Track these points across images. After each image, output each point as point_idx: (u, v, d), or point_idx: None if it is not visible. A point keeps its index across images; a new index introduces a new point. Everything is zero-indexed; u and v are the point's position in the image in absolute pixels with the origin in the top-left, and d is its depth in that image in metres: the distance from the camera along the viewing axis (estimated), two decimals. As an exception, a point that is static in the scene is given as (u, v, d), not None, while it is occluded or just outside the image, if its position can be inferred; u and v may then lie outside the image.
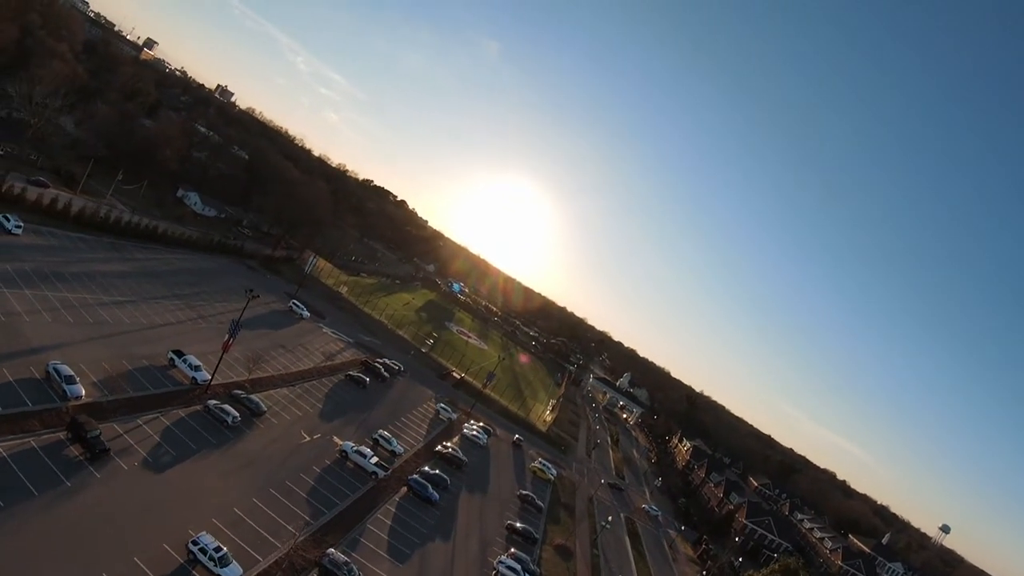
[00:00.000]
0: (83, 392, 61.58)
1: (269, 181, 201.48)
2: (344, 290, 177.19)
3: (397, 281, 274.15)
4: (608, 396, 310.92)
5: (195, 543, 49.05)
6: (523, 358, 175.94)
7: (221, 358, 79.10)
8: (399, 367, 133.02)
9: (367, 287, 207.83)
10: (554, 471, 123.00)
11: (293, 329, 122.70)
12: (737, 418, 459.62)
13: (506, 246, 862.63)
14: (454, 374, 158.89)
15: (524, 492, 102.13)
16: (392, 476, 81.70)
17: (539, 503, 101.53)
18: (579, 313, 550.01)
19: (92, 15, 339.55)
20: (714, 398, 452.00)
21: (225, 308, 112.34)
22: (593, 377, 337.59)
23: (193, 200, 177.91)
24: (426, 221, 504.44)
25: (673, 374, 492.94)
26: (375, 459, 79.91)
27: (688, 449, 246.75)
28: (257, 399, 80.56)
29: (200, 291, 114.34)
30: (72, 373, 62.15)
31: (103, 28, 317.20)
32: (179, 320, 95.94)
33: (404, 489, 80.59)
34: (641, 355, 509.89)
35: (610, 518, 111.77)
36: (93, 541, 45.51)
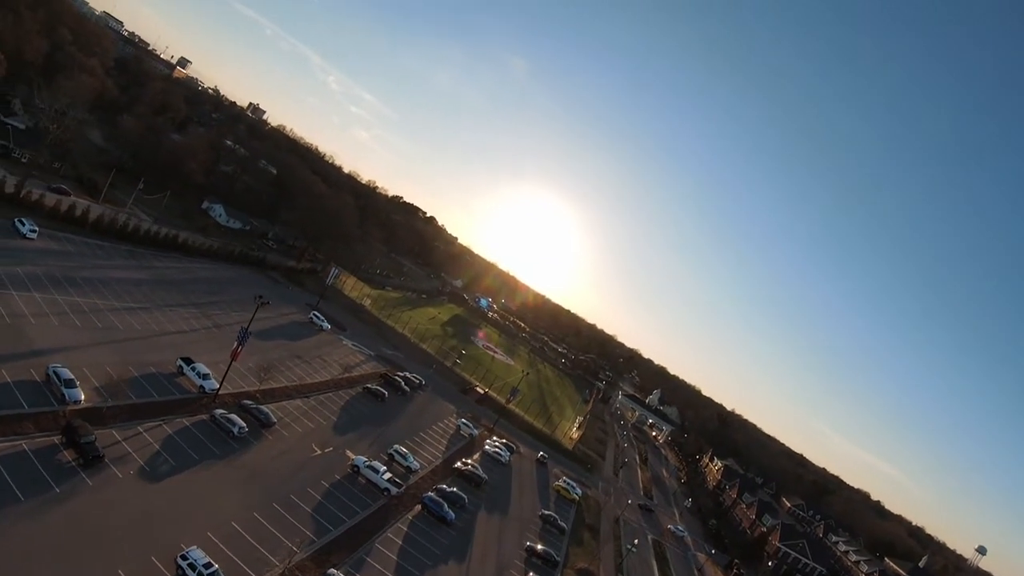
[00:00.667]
0: (82, 396, 59.31)
1: (296, 195, 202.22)
2: (368, 303, 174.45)
3: (423, 295, 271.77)
4: (637, 413, 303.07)
5: (184, 558, 45.75)
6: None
7: (230, 366, 76.33)
8: (420, 381, 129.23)
9: (392, 301, 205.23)
10: (579, 490, 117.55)
11: (312, 340, 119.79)
12: (769, 437, 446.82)
13: (535, 262, 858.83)
14: (477, 389, 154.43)
15: (546, 512, 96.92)
16: (406, 493, 77.49)
17: (562, 524, 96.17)
18: (609, 330, 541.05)
19: (126, 34, 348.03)
20: (745, 416, 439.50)
21: (242, 318, 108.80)
22: (622, 394, 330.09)
23: (218, 212, 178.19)
24: (455, 238, 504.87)
25: (704, 392, 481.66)
26: (388, 475, 75.76)
27: (719, 469, 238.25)
28: (267, 410, 77.27)
29: (217, 300, 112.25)
30: (72, 377, 60.02)
31: (136, 46, 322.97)
32: (193, 328, 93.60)
33: (418, 507, 76.26)
34: (672, 372, 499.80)
35: (636, 541, 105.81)
36: (77, 551, 42.63)
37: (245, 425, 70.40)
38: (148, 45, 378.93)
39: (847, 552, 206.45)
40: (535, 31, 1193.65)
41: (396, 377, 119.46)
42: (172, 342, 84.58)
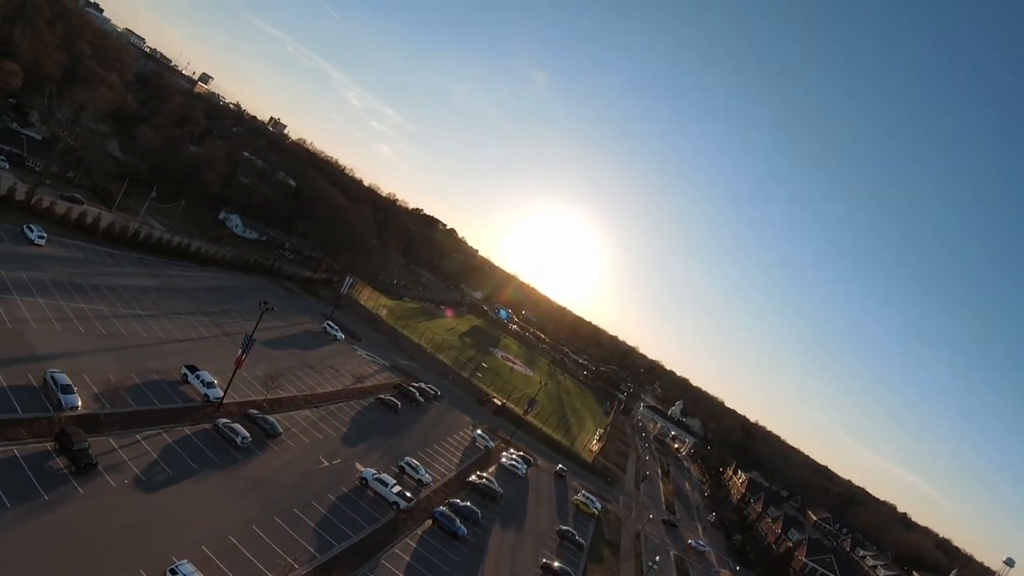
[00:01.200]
0: (79, 403, 57.47)
1: (314, 205, 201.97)
2: (384, 313, 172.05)
3: (442, 307, 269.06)
4: (659, 425, 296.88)
5: (173, 572, 43.33)
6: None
7: (234, 374, 73.97)
8: (435, 392, 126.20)
9: (409, 311, 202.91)
10: (599, 504, 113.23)
11: (325, 350, 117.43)
12: (793, 448, 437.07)
13: (556, 274, 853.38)
14: (494, 400, 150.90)
15: (564, 527, 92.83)
16: (416, 507, 74.10)
17: (580, 540, 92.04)
18: (630, 341, 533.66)
19: (148, 50, 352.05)
20: (769, 428, 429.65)
21: (251, 327, 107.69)
22: (644, 405, 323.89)
23: (235, 222, 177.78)
24: (476, 250, 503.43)
25: (727, 403, 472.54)
26: (397, 488, 72.48)
27: (744, 481, 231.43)
28: (273, 420, 74.70)
29: (228, 308, 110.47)
30: (69, 382, 58.40)
31: (157, 62, 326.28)
32: (201, 336, 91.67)
33: (428, 522, 72.84)
34: (694, 384, 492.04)
35: (657, 558, 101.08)
36: (61, 561, 40.59)
37: (248, 435, 67.89)
38: (170, 61, 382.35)
39: (875, 567, 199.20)
40: (554, 44, 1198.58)
41: (410, 388, 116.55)
42: (178, 350, 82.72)
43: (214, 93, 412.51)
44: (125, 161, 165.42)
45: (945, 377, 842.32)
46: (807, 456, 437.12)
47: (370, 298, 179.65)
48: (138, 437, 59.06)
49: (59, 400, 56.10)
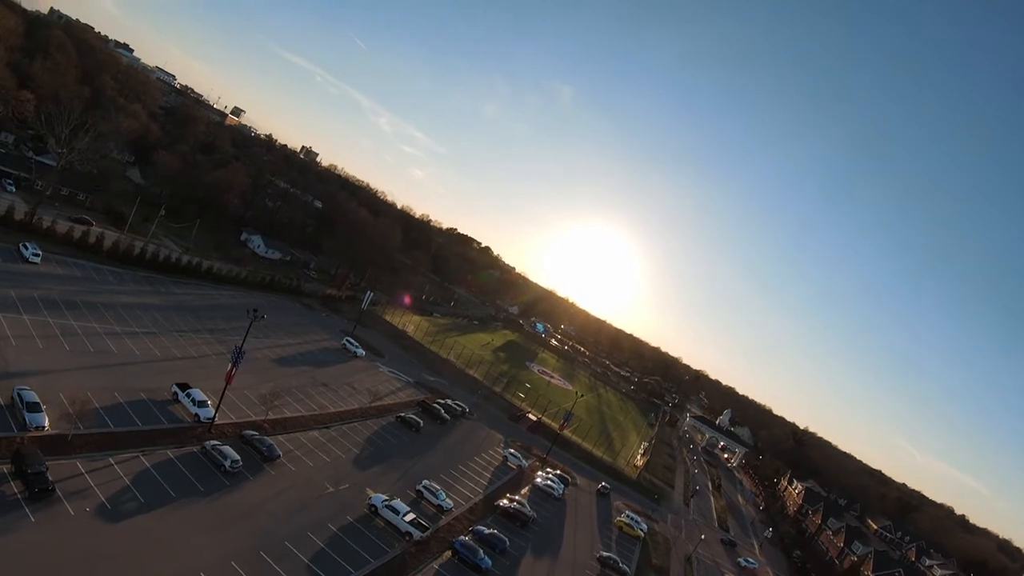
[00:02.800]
0: (46, 422, 51.99)
1: (339, 224, 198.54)
2: (411, 329, 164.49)
3: (475, 322, 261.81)
4: (707, 436, 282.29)
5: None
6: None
7: (224, 391, 66.61)
8: (464, 408, 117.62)
9: (439, 327, 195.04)
10: (644, 525, 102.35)
11: (343, 367, 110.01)
12: (844, 454, 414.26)
13: (594, 288, 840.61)
14: (530, 416, 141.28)
15: (605, 554, 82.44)
16: (434, 537, 65.10)
17: (624, 567, 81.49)
18: (673, 352, 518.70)
19: (178, 86, 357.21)
20: (819, 434, 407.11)
21: (263, 344, 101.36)
22: (690, 416, 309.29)
23: (256, 243, 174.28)
24: (513, 268, 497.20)
25: (775, 410, 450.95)
26: (411, 516, 63.56)
27: (800, 492, 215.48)
28: (271, 441, 66.99)
29: (237, 326, 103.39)
30: (37, 400, 53.07)
31: (185, 95, 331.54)
32: (203, 354, 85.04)
33: (448, 553, 63.60)
34: (740, 392, 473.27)
35: None
36: None
37: (239, 458, 60.50)
38: (201, 96, 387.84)
39: None
40: (578, 57, 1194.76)
41: (434, 405, 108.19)
42: (175, 368, 76.36)
43: (245, 125, 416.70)
44: (145, 186, 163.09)
45: (993, 375, 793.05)
46: (860, 461, 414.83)
47: (395, 314, 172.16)
48: (111, 461, 52.52)
49: (24, 419, 50.77)
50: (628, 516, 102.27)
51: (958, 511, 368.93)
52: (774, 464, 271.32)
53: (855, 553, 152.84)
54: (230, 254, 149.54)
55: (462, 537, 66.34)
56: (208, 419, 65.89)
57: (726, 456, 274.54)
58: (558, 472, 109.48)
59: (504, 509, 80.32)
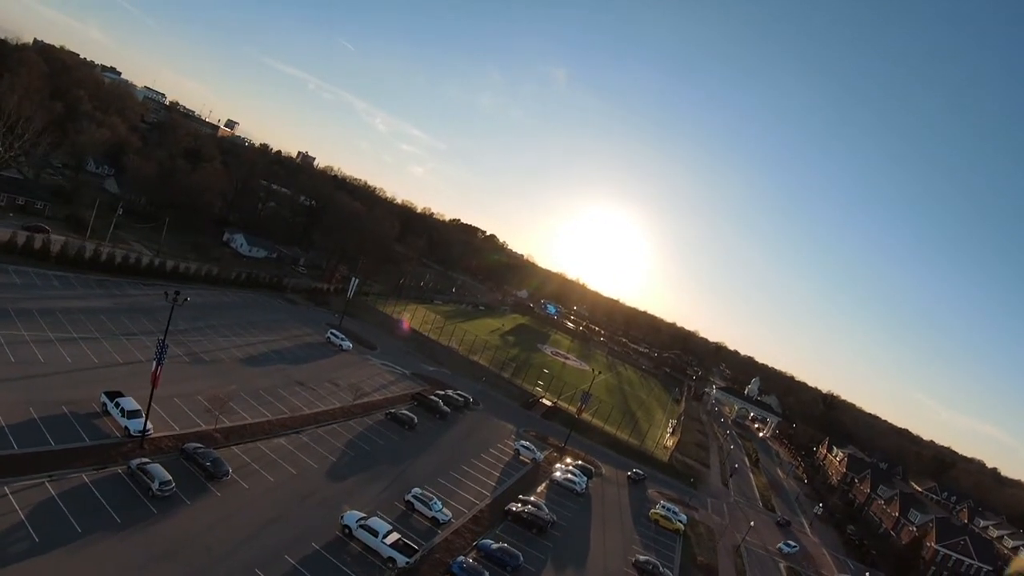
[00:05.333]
0: None
1: (330, 216, 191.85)
2: (407, 317, 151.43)
3: (481, 307, 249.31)
4: (737, 408, 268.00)
5: None
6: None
7: (152, 397, 53.60)
8: (467, 399, 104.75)
9: (442, 314, 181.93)
10: (683, 517, 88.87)
11: (325, 363, 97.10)
12: (871, 415, 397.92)
13: (604, 269, 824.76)
14: (544, 401, 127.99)
15: (642, 558, 68.98)
16: (427, 560, 51.74)
17: (665, 572, 67.99)
18: (689, 326, 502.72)
19: (167, 103, 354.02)
20: (843, 397, 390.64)
21: (231, 343, 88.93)
22: (716, 388, 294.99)
23: (239, 242, 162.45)
24: (521, 254, 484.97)
25: (796, 377, 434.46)
26: (394, 537, 50.44)
27: (842, 459, 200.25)
28: (217, 455, 54.04)
29: (203, 326, 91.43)
30: None
31: (172, 110, 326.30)
32: (153, 357, 71.72)
33: (443, 580, 50.19)
34: (760, 362, 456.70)
35: None
36: None
37: (170, 479, 47.99)
38: (192, 112, 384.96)
39: (1001, 537, 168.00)
40: (568, 40, 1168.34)
41: (431, 397, 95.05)
42: (114, 375, 64.61)
43: (239, 136, 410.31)
44: (120, 195, 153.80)
45: (1007, 322, 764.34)
46: (886, 422, 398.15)
47: (387, 303, 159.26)
48: (7, 491, 41.10)
49: None
50: (664, 507, 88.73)
51: (989, 465, 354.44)
52: (808, 432, 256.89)
53: (913, 522, 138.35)
54: (209, 254, 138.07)
55: (462, 557, 52.86)
56: (139, 432, 53.55)
57: (757, 427, 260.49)
58: (579, 462, 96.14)
59: (517, 514, 66.89)
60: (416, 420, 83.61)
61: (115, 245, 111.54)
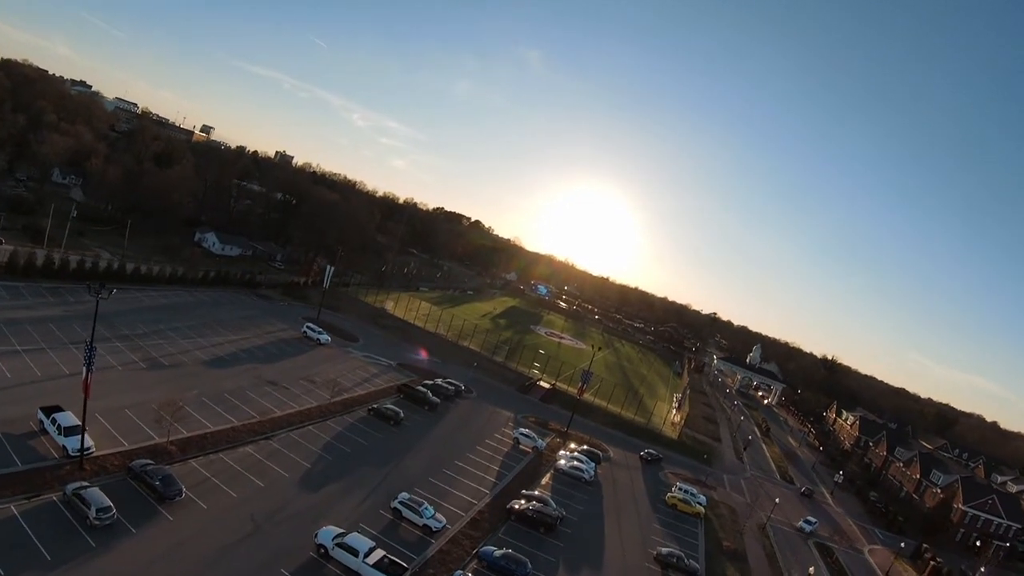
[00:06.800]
0: None
1: (307, 209, 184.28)
2: (390, 306, 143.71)
3: (470, 292, 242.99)
4: (739, 377, 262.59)
5: None
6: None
7: (86, 408, 46.06)
8: (458, 387, 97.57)
9: (429, 301, 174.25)
10: (702, 498, 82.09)
11: (301, 359, 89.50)
12: (868, 377, 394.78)
13: (592, 248, 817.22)
14: (541, 384, 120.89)
15: (665, 550, 61.96)
16: None
17: (691, 565, 61.12)
18: (681, 300, 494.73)
19: (140, 112, 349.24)
20: (840, 360, 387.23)
21: (195, 344, 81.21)
22: (717, 358, 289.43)
23: (211, 241, 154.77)
24: (508, 239, 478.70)
25: (791, 343, 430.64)
26: (378, 555, 43.07)
27: (853, 423, 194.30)
28: (169, 471, 46.50)
29: (164, 328, 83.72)
30: None
31: (143, 118, 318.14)
32: (105, 366, 64.58)
33: (441, 600, 42.91)
34: (753, 330, 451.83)
35: (812, 570, 67.43)
36: None
37: (110, 505, 41.01)
38: (167, 120, 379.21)
39: (1021, 493, 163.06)
40: (540, 20, 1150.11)
41: (418, 388, 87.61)
42: (58, 388, 57.07)
43: (215, 141, 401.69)
44: (84, 202, 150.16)
45: (995, 274, 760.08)
46: (883, 382, 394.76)
47: (369, 294, 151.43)
48: None
49: None
50: (681, 489, 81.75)
51: (988, 419, 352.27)
52: (815, 397, 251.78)
53: (936, 484, 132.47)
54: (179, 255, 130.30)
55: (460, 572, 45.53)
56: (77, 451, 46.28)
57: (761, 395, 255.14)
58: (585, 447, 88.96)
59: (520, 513, 59.50)
60: (402, 414, 76.19)
61: (73, 252, 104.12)
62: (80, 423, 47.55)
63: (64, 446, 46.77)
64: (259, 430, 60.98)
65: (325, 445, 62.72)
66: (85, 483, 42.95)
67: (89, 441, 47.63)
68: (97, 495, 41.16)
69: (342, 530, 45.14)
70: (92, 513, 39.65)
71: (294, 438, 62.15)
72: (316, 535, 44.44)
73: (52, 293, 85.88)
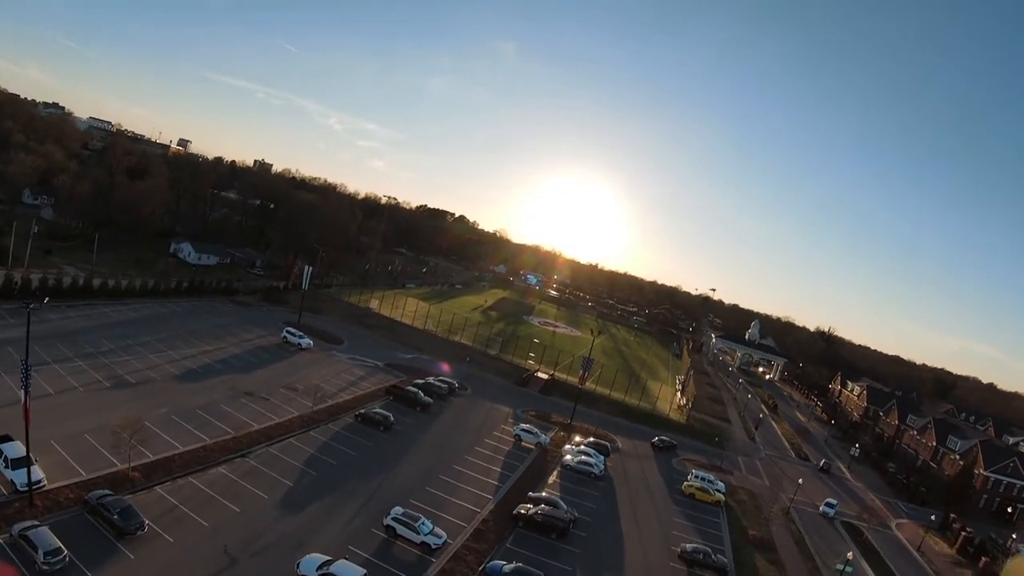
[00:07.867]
0: None
1: (285, 213, 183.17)
2: (376, 305, 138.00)
3: (458, 286, 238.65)
4: (739, 354, 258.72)
5: None
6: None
7: (28, 436, 40.43)
8: (452, 384, 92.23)
9: (416, 297, 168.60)
10: (721, 485, 77.09)
11: (281, 365, 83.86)
12: (863, 347, 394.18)
13: (579, 236, 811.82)
14: (539, 375, 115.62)
15: (689, 546, 56.80)
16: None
17: (719, 559, 56.06)
18: (670, 282, 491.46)
19: (114, 130, 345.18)
20: (835, 331, 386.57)
21: (165, 358, 75.51)
22: (715, 337, 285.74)
23: (186, 251, 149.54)
24: (493, 232, 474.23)
25: (783, 318, 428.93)
26: (369, 581, 37.45)
27: (860, 393, 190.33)
28: (129, 503, 41.01)
29: (131, 344, 77.97)
30: None
31: (117, 135, 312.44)
32: (66, 387, 59.25)
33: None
34: (744, 307, 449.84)
35: (850, 555, 62.04)
36: None
37: (59, 546, 35.78)
38: (142, 136, 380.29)
39: None
40: (513, 9, 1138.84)
41: (408, 389, 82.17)
42: (11, 416, 49.99)
43: (193, 154, 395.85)
44: (55, 220, 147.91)
45: (982, 235, 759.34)
46: (877, 351, 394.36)
47: (352, 294, 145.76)
48: None
49: None
50: (697, 477, 76.58)
51: (984, 380, 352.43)
52: (816, 370, 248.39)
53: (954, 450, 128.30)
54: (152, 267, 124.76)
55: (465, 593, 40.36)
56: (25, 485, 40.64)
57: (762, 371, 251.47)
58: (592, 439, 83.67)
59: (528, 518, 54.02)
60: (392, 418, 70.58)
61: (35, 270, 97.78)
62: (25, 453, 41.92)
63: (12, 480, 41.33)
64: (234, 447, 55.25)
65: (308, 459, 57.08)
66: (34, 522, 37.42)
67: (39, 473, 42.09)
68: (45, 536, 35.63)
69: (328, 557, 39.61)
70: (40, 557, 34.23)
71: (273, 453, 56.50)
72: (298, 565, 38.90)
73: (12, 315, 79.44)
